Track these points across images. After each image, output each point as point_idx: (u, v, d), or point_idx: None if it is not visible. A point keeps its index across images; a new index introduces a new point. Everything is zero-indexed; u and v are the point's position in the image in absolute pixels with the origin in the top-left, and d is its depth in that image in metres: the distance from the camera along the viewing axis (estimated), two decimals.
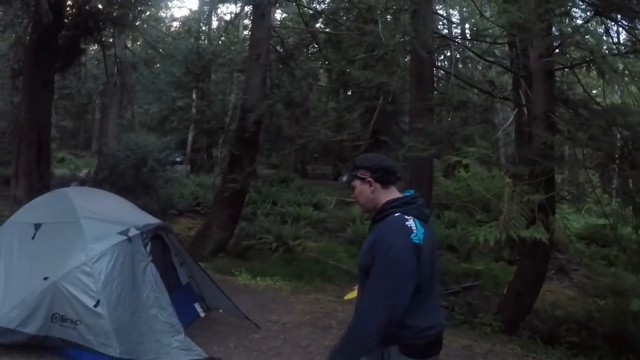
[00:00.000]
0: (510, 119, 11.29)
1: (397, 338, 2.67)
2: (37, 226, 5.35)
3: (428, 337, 2.74)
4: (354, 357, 2.63)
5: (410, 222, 2.66)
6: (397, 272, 2.58)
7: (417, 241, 2.62)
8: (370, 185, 2.81)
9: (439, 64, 21.20)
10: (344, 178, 2.52)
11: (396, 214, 2.71)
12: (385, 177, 2.81)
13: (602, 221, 15.11)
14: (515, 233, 5.56)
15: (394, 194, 2.83)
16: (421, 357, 2.76)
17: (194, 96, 19.13)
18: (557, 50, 7.32)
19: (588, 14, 7.12)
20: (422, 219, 2.75)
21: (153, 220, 5.84)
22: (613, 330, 8.10)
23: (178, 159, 25.21)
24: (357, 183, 2.85)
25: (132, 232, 5.13)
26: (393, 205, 2.76)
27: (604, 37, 7.78)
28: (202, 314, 6.37)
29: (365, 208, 2.90)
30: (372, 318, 2.57)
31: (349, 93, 20.74)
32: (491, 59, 11.21)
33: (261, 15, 11.32)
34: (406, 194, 2.86)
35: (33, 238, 5.29)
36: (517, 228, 5.55)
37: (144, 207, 7.09)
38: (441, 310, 3.04)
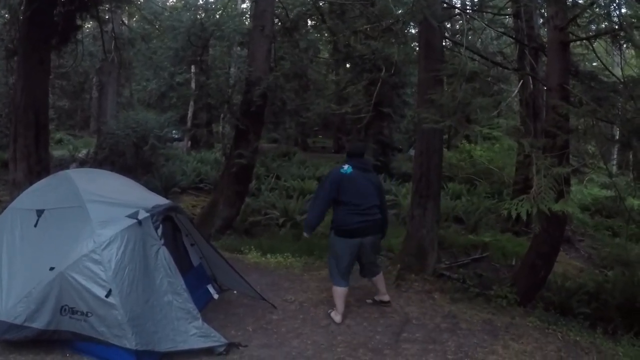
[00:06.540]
0: (515, 91, 11.06)
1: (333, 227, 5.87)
2: (40, 212, 5.09)
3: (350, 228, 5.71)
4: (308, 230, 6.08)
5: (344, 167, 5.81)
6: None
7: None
8: None
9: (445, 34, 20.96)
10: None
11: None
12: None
13: (607, 193, 15.06)
14: (546, 207, 5.39)
15: None
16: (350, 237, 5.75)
17: (192, 71, 18.85)
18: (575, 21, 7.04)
19: None
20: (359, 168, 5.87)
21: (162, 201, 5.60)
22: (624, 301, 8.06)
23: (177, 136, 24.97)
24: None
25: (142, 215, 4.86)
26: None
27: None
28: (216, 296, 6.22)
29: None
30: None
31: (349, 65, 20.45)
32: (501, 30, 10.95)
33: None
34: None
35: (35, 225, 5.03)
36: (547, 202, 5.39)
37: (146, 186, 6.84)
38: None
